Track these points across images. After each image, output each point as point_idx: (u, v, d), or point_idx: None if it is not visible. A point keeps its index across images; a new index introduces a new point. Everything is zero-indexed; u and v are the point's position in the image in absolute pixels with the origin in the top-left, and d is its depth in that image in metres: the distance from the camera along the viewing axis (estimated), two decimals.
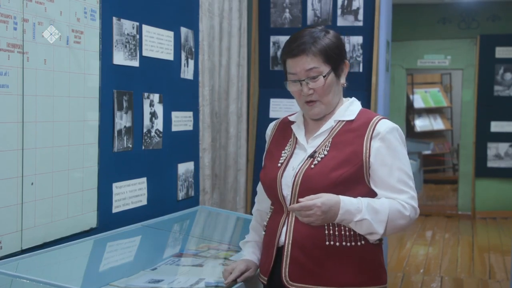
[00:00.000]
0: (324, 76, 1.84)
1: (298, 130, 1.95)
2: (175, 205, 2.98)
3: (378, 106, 3.73)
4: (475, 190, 7.94)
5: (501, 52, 7.74)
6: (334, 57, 1.87)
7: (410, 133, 10.52)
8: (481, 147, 7.84)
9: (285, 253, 1.84)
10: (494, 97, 7.75)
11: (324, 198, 1.75)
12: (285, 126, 2.02)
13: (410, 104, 10.70)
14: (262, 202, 2.08)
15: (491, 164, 7.84)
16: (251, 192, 3.87)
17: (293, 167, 1.87)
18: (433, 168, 11.00)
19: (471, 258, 5.91)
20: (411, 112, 10.91)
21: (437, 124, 11.30)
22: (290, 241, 1.84)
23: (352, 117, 1.89)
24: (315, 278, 1.81)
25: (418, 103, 11.12)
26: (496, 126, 7.78)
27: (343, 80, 1.92)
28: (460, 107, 8.47)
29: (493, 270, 5.47)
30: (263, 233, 1.99)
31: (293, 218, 1.85)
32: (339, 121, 1.90)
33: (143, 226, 2.61)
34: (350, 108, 1.92)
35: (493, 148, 7.83)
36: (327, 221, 1.78)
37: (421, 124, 11.18)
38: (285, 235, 1.85)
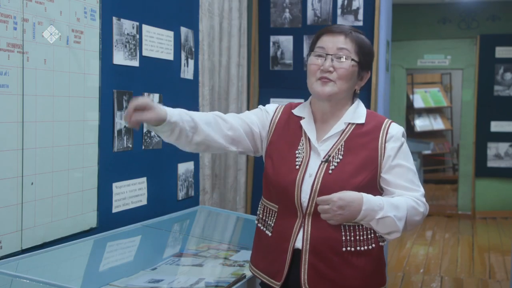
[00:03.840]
0: (352, 60, 1.85)
1: (309, 130, 1.90)
2: (175, 205, 2.98)
3: (378, 106, 3.73)
4: (475, 190, 7.94)
5: (501, 52, 7.74)
6: (365, 56, 1.89)
7: (410, 133, 10.52)
8: (481, 147, 7.83)
9: (303, 259, 1.82)
10: (494, 97, 7.74)
11: (341, 194, 1.73)
12: (290, 118, 1.95)
13: (410, 104, 10.70)
14: (228, 129, 1.90)
15: (491, 164, 7.84)
16: (251, 192, 3.87)
17: (310, 174, 1.82)
18: (433, 168, 11.00)
19: (471, 258, 5.91)
20: (411, 112, 10.91)
21: (437, 124, 11.30)
22: (308, 247, 1.81)
23: (362, 120, 1.88)
24: (332, 283, 1.81)
25: (418, 103, 11.12)
26: (496, 126, 7.77)
27: (358, 85, 1.92)
28: (460, 107, 8.46)
29: (493, 270, 5.47)
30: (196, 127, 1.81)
31: (310, 223, 1.82)
32: (349, 123, 1.88)
33: (143, 226, 2.61)
34: (358, 110, 1.91)
35: (493, 148, 7.83)
36: (347, 218, 1.75)
37: (421, 124, 11.18)
38: (302, 241, 1.82)
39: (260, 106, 2.03)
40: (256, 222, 1.98)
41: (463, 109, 8.23)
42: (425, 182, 10.16)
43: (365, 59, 1.89)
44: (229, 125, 1.90)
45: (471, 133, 7.95)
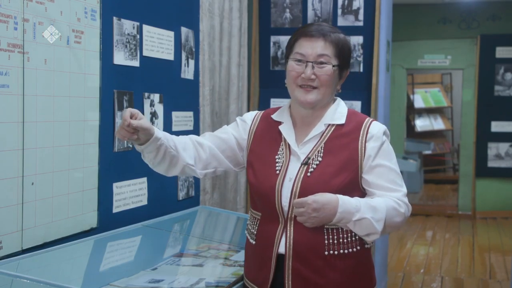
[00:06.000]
0: (333, 66, 1.82)
1: (288, 134, 1.88)
2: (176, 205, 2.98)
3: (378, 106, 3.73)
4: (475, 190, 7.94)
5: (501, 52, 7.74)
6: (345, 56, 1.87)
7: (411, 133, 10.52)
8: (482, 147, 7.84)
9: (286, 266, 1.81)
10: (495, 97, 7.75)
11: (316, 196, 1.71)
12: (269, 124, 1.94)
13: (410, 104, 10.70)
14: (204, 150, 1.92)
15: (491, 164, 7.84)
16: None
17: (290, 178, 1.81)
18: (433, 168, 11.00)
19: (472, 258, 5.91)
20: (412, 112, 10.92)
21: (438, 124, 11.30)
22: (291, 253, 1.80)
23: (342, 121, 1.86)
24: None
25: (419, 103, 11.12)
26: (497, 126, 7.78)
27: (339, 84, 1.91)
28: (461, 107, 8.47)
29: (494, 270, 5.47)
30: (171, 150, 1.82)
31: (292, 228, 1.80)
32: (329, 125, 1.86)
33: (143, 226, 2.61)
34: (338, 110, 1.89)
35: (493, 148, 7.83)
36: (323, 221, 1.73)
37: (421, 124, 11.18)
38: (285, 246, 1.81)
39: (238, 118, 2.03)
40: (245, 231, 1.99)
41: (464, 109, 8.23)
42: (425, 182, 10.17)
43: (344, 59, 1.87)
44: (204, 148, 1.92)
45: (471, 133, 7.96)
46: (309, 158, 1.82)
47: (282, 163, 1.85)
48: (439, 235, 6.96)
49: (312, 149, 1.84)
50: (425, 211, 8.10)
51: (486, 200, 7.92)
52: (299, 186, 1.79)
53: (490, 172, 7.85)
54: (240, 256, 2.32)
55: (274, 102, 3.91)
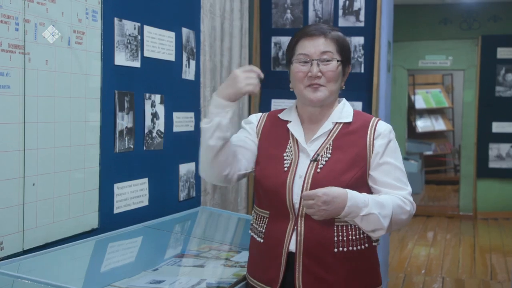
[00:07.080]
0: (337, 61, 1.85)
1: (297, 132, 1.90)
2: (177, 206, 2.98)
3: (379, 107, 3.72)
4: (476, 190, 7.94)
5: (502, 52, 7.74)
6: (346, 52, 1.91)
7: (412, 133, 10.52)
8: (483, 147, 7.83)
9: (297, 262, 1.82)
10: (496, 98, 7.75)
11: (326, 189, 1.72)
12: (277, 123, 1.96)
13: (411, 104, 10.70)
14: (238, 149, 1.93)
15: (492, 164, 7.84)
16: (252, 193, 3.87)
17: (300, 175, 1.83)
18: (434, 169, 11.00)
19: (473, 259, 5.91)
20: (413, 112, 10.91)
21: (439, 124, 11.30)
22: (302, 250, 1.81)
23: (349, 119, 1.89)
24: (327, 285, 1.81)
25: (420, 103, 11.12)
26: (498, 127, 7.78)
27: (343, 81, 1.94)
28: (462, 107, 8.46)
29: (495, 271, 5.46)
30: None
31: (302, 225, 1.81)
32: (337, 123, 1.89)
33: (144, 226, 2.61)
34: (345, 110, 1.92)
35: (494, 149, 7.82)
36: (332, 214, 1.74)
37: (422, 124, 11.18)
38: (295, 243, 1.81)
39: (242, 122, 2.04)
40: (250, 231, 1.99)
41: (465, 110, 8.23)
42: (426, 182, 10.16)
43: (346, 55, 1.91)
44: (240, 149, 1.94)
45: (472, 134, 7.95)
46: (318, 155, 1.84)
47: (291, 160, 1.87)
48: (440, 236, 6.96)
49: (321, 146, 1.86)
50: (426, 212, 8.09)
51: (487, 201, 7.91)
52: (309, 182, 1.81)
53: (491, 173, 7.85)
54: (241, 257, 2.32)
55: (275, 103, 3.91)
